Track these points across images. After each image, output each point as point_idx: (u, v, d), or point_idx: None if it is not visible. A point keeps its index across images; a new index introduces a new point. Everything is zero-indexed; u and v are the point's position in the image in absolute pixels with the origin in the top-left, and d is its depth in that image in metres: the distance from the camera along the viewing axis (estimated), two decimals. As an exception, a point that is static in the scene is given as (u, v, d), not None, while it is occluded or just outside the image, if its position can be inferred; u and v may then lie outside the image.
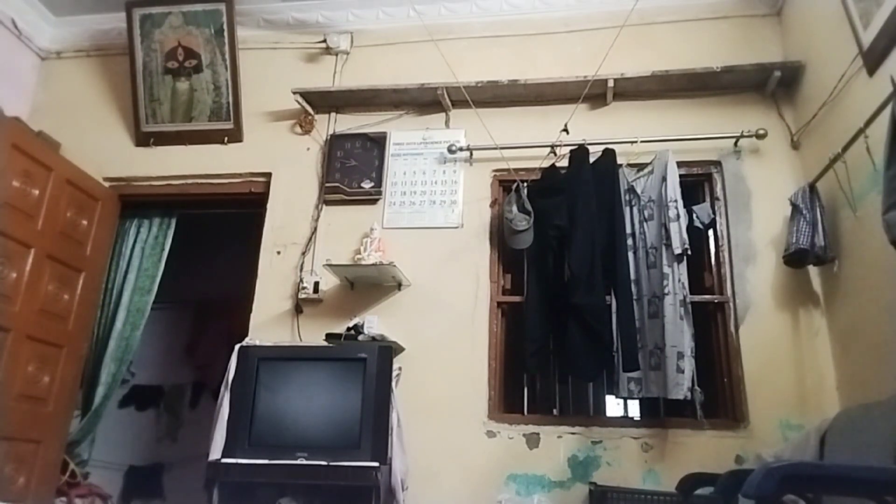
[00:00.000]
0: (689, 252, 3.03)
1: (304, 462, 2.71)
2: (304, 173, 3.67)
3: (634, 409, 3.67)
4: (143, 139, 3.91)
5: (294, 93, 3.64)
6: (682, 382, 2.83)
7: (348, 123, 3.72)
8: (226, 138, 3.83)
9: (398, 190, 3.55)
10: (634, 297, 3.06)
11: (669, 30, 3.57)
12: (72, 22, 4.16)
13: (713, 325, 3.18)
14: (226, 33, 3.78)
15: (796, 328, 3.02)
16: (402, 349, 3.19)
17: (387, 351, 2.95)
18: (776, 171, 3.25)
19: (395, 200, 3.54)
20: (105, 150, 3.90)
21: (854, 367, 2.77)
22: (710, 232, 3.29)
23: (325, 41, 3.86)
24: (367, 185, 3.55)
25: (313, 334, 3.29)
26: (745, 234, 3.19)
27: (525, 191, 3.25)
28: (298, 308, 3.40)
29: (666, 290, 2.95)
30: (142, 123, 3.91)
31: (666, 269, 2.98)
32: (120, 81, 4.01)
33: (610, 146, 3.25)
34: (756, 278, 3.12)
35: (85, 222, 3.65)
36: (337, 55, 3.87)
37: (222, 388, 2.98)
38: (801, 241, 2.81)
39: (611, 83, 3.35)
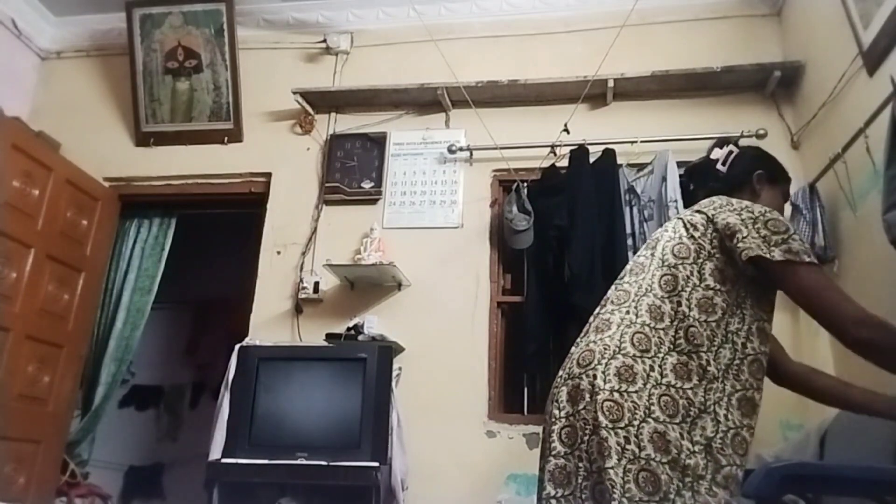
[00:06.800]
0: (689, 252, 3.03)
1: (304, 462, 2.71)
2: (304, 173, 3.67)
3: (634, 409, 3.66)
4: (143, 139, 3.91)
5: (294, 93, 3.63)
6: (682, 382, 2.82)
7: (348, 123, 3.72)
8: (226, 138, 3.82)
9: (398, 190, 3.55)
10: (634, 297, 3.06)
11: (669, 30, 3.56)
12: (72, 22, 4.15)
13: (713, 325, 3.17)
14: (226, 33, 3.78)
15: (796, 328, 3.01)
16: (402, 349, 3.19)
17: (387, 351, 2.96)
18: (776, 171, 3.24)
19: (395, 200, 3.53)
20: (105, 150, 3.89)
21: (854, 367, 2.75)
22: (711, 232, 3.28)
23: (325, 41, 3.86)
24: (367, 185, 3.55)
25: (313, 334, 3.29)
26: (745, 234, 3.18)
27: (525, 191, 3.25)
28: (298, 308, 3.40)
29: (666, 290, 2.94)
30: (142, 123, 3.91)
31: (666, 269, 2.98)
32: (120, 81, 4.01)
33: (610, 146, 3.25)
34: (756, 278, 3.11)
35: (85, 222, 3.65)
36: (337, 55, 3.86)
37: (222, 388, 2.99)
38: (801, 241, 2.80)
39: (611, 83, 3.34)
